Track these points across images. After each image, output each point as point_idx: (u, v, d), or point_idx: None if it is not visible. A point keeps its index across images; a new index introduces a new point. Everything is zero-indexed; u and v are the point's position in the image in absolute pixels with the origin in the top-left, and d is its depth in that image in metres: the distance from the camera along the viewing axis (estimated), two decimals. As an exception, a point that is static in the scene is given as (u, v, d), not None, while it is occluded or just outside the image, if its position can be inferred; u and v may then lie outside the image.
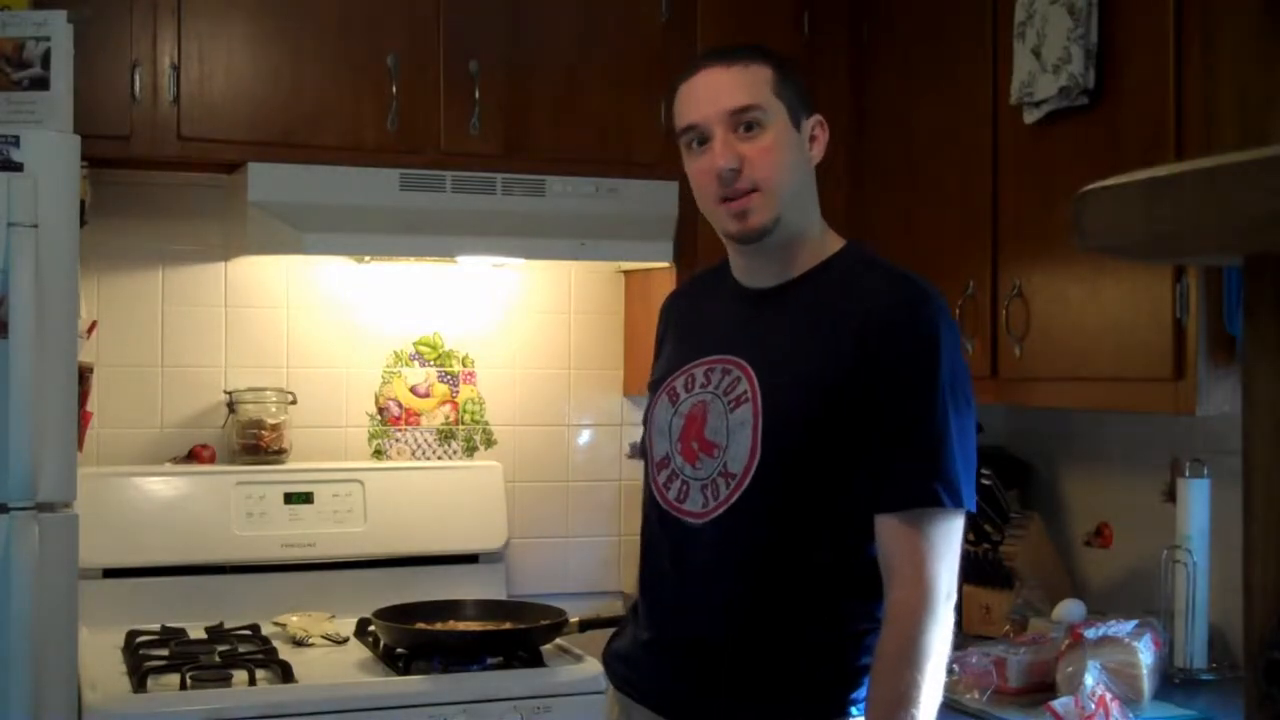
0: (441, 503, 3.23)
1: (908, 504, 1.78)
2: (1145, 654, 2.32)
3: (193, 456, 3.15)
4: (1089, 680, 2.20)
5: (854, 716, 1.83)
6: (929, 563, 1.76)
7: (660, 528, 1.94)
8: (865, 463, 1.81)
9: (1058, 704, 2.17)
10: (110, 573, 2.96)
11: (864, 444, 1.81)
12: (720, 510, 1.85)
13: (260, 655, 2.70)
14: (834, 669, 1.84)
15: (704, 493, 1.87)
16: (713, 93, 1.88)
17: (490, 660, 2.73)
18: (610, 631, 2.14)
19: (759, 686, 1.84)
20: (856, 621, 1.84)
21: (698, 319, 2.05)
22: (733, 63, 1.89)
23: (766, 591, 1.85)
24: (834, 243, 1.97)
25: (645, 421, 2.03)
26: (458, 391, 3.39)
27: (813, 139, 1.94)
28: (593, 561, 3.47)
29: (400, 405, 3.35)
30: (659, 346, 2.12)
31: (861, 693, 1.82)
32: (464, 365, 3.40)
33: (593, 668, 2.66)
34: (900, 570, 1.77)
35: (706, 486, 1.87)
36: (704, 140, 1.89)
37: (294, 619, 2.95)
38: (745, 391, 1.86)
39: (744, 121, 1.87)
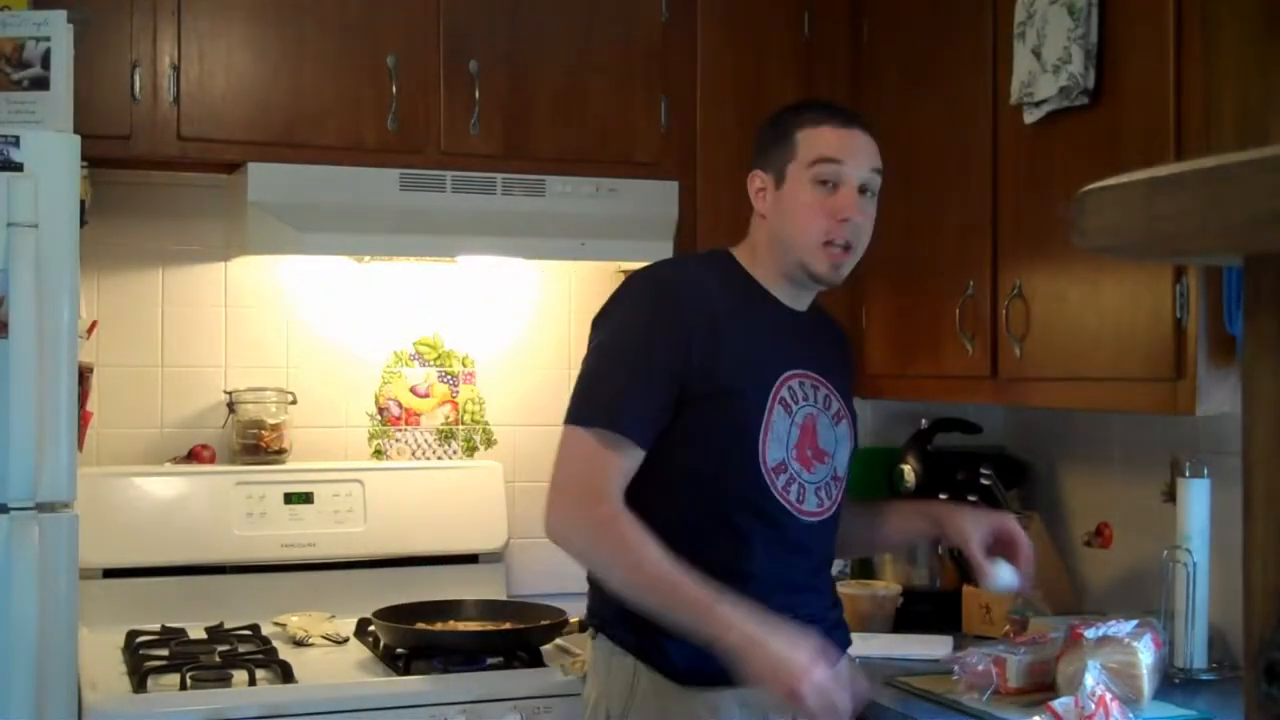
0: (441, 503, 3.23)
1: None
2: (1145, 654, 2.32)
3: (193, 456, 3.15)
4: (1089, 680, 2.20)
5: None
6: None
7: (773, 528, 2.12)
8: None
9: (1058, 704, 2.17)
10: (110, 573, 2.97)
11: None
12: (834, 509, 2.20)
13: (260, 655, 2.70)
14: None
15: (818, 494, 2.17)
16: (863, 151, 2.16)
17: (490, 660, 2.73)
18: None
19: (839, 626, 2.27)
20: None
21: (756, 325, 2.18)
22: (873, 135, 2.19)
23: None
24: None
25: (739, 421, 2.10)
26: (458, 391, 3.39)
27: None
28: (593, 561, 3.47)
29: (400, 405, 3.35)
30: (695, 328, 2.09)
31: None
32: (464, 365, 3.40)
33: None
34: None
35: (820, 489, 2.17)
36: (836, 184, 2.13)
37: (294, 619, 2.95)
38: (839, 408, 2.23)
39: (869, 184, 2.16)
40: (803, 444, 2.15)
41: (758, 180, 2.20)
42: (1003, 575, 2.21)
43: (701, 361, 2.06)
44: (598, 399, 2.08)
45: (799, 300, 2.24)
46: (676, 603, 1.95)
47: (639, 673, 2.09)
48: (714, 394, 2.07)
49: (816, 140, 2.14)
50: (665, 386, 2.05)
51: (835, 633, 2.21)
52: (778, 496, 2.12)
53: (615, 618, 2.10)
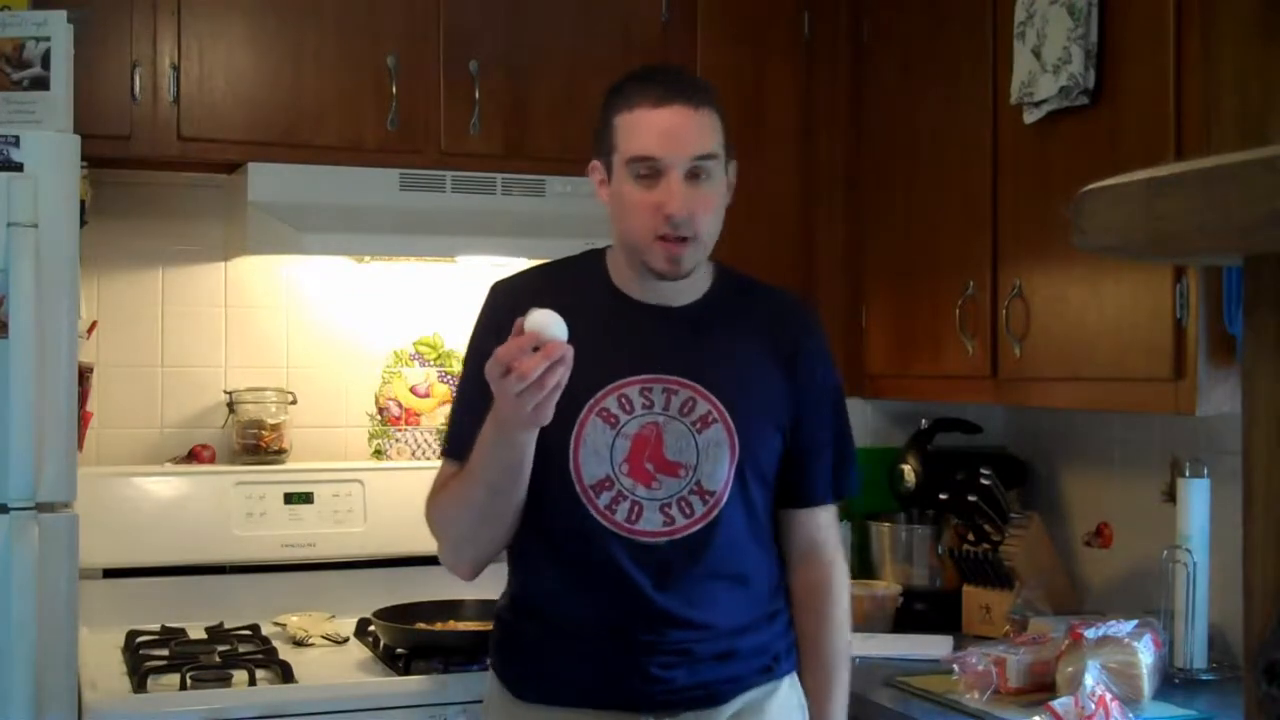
0: (441, 503, 3.23)
1: (839, 495, 2.16)
2: (1145, 654, 2.32)
3: (193, 456, 3.15)
4: (1089, 680, 2.20)
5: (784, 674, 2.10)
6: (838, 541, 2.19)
7: (603, 544, 1.98)
8: (798, 465, 2.10)
9: (1058, 704, 2.17)
10: (110, 573, 2.96)
11: (799, 451, 2.10)
12: (700, 525, 1.99)
13: (260, 655, 2.70)
14: (776, 634, 2.10)
15: (665, 512, 1.99)
16: (680, 134, 1.94)
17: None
18: None
19: (732, 659, 2.04)
20: (781, 595, 2.13)
21: (591, 330, 1.91)
22: (699, 105, 1.96)
23: (739, 588, 2.05)
24: (708, 264, 2.11)
25: (545, 438, 1.90)
26: (458, 391, 3.39)
27: (730, 185, 2.06)
28: (593, 561, 3.47)
29: (400, 405, 3.35)
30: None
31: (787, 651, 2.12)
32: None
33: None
34: (833, 544, 2.16)
35: (670, 505, 1.99)
36: (655, 175, 1.95)
37: (294, 619, 2.95)
38: (710, 412, 2.01)
39: (698, 170, 1.96)
40: (636, 457, 1.97)
41: (596, 172, 2.05)
42: None
43: None
44: (448, 427, 2.18)
45: (657, 294, 2.05)
46: (470, 480, 1.96)
47: (492, 684, 2.16)
48: None
49: (630, 131, 1.96)
50: (486, 407, 1.87)
51: (753, 660, 2.05)
52: (597, 516, 1.97)
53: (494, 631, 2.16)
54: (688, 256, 1.98)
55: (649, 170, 1.95)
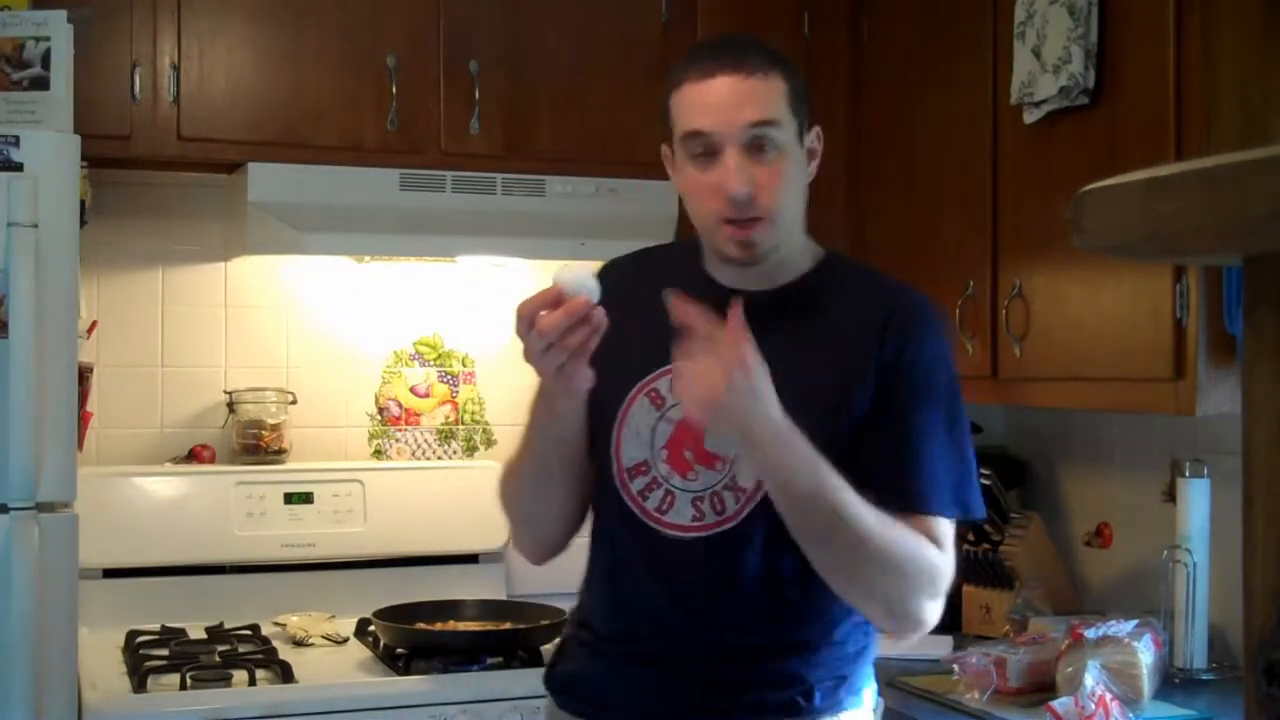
0: (441, 503, 3.23)
1: (932, 509, 1.78)
2: (1145, 654, 2.32)
3: (193, 456, 3.15)
4: (1089, 680, 2.20)
5: (848, 710, 1.85)
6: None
7: (631, 538, 1.85)
8: (887, 470, 1.78)
9: (1058, 704, 2.17)
10: (110, 573, 2.96)
11: (883, 455, 1.79)
12: (731, 524, 1.79)
13: (260, 655, 2.70)
14: (816, 663, 1.83)
15: (697, 505, 1.81)
16: (730, 104, 1.77)
17: (490, 660, 2.73)
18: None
19: (747, 687, 1.83)
20: (843, 615, 1.83)
21: (660, 315, 1.80)
22: (751, 72, 1.78)
23: (765, 604, 1.82)
24: (814, 248, 1.93)
25: (596, 415, 1.83)
26: (458, 391, 3.39)
27: (811, 153, 1.87)
28: (593, 561, 3.47)
29: (400, 405, 3.35)
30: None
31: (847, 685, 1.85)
32: (464, 365, 3.40)
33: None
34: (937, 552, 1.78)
35: (704, 499, 1.81)
36: (712, 152, 1.79)
37: (294, 619, 2.95)
38: None
39: (758, 141, 1.78)
40: (677, 443, 1.82)
41: (666, 158, 1.91)
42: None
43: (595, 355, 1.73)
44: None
45: (744, 280, 1.86)
46: (522, 452, 1.88)
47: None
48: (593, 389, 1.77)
49: (681, 107, 1.81)
50: None
51: (772, 692, 1.81)
52: (628, 501, 1.84)
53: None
54: (760, 238, 1.80)
55: (704, 148, 1.79)
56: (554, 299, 1.64)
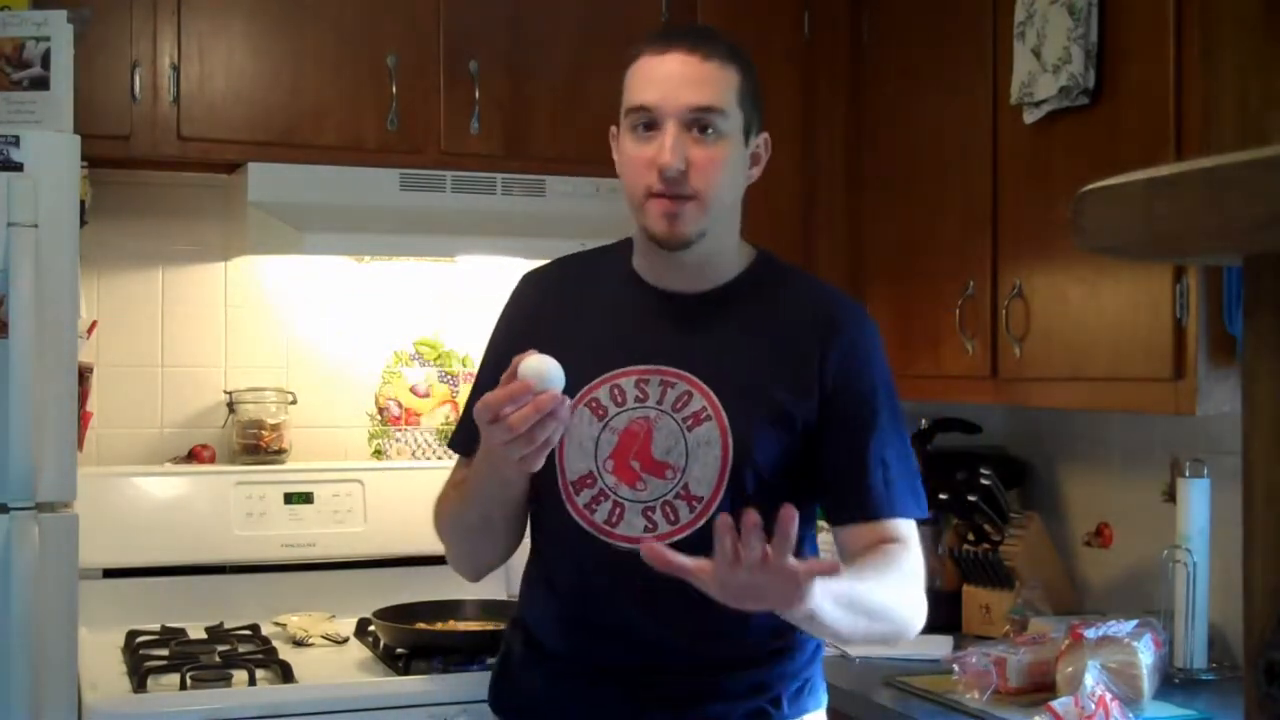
0: (441, 503, 3.23)
1: (897, 513, 1.85)
2: (1145, 654, 2.32)
3: (193, 456, 3.15)
4: (1089, 680, 2.20)
5: (811, 712, 1.90)
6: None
7: (581, 553, 1.81)
8: (837, 477, 1.84)
9: (1058, 704, 2.17)
10: (110, 573, 2.96)
11: (834, 462, 1.83)
12: (685, 533, 1.76)
13: (260, 655, 2.70)
14: (782, 672, 1.86)
15: (648, 515, 1.78)
16: (677, 81, 1.77)
17: (490, 660, 2.72)
18: None
19: (713, 698, 1.82)
20: (794, 630, 1.82)
21: (599, 318, 1.87)
22: (707, 56, 1.78)
23: (729, 614, 1.66)
24: (747, 250, 1.93)
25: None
26: (458, 391, 3.39)
27: (755, 157, 1.87)
28: (593, 561, 3.47)
29: (400, 405, 3.35)
30: (515, 336, 1.86)
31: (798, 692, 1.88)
32: (464, 365, 3.40)
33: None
34: (901, 550, 1.86)
35: (654, 509, 1.77)
36: (651, 126, 1.78)
37: (294, 619, 2.95)
38: (704, 409, 1.79)
39: (701, 123, 1.77)
40: (622, 454, 1.79)
41: (613, 134, 1.89)
42: None
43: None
44: (458, 421, 2.03)
45: (676, 280, 1.86)
46: (465, 503, 1.85)
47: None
48: None
49: (632, 81, 1.81)
50: None
51: (740, 701, 1.81)
52: (575, 515, 1.80)
53: None
54: (685, 216, 1.77)
55: (646, 120, 1.78)
56: (520, 392, 1.59)
